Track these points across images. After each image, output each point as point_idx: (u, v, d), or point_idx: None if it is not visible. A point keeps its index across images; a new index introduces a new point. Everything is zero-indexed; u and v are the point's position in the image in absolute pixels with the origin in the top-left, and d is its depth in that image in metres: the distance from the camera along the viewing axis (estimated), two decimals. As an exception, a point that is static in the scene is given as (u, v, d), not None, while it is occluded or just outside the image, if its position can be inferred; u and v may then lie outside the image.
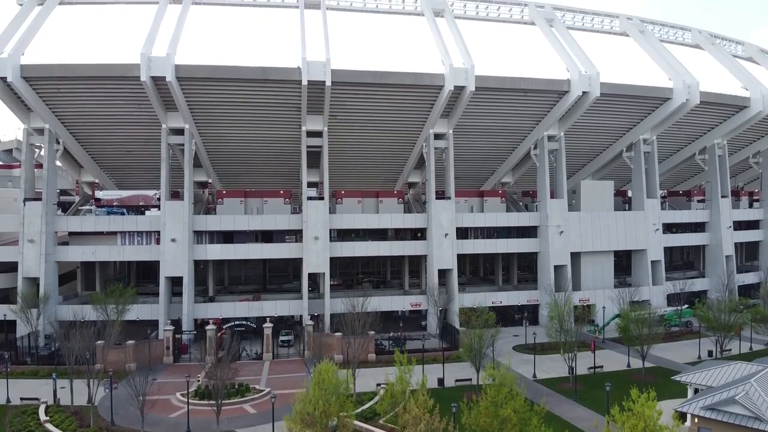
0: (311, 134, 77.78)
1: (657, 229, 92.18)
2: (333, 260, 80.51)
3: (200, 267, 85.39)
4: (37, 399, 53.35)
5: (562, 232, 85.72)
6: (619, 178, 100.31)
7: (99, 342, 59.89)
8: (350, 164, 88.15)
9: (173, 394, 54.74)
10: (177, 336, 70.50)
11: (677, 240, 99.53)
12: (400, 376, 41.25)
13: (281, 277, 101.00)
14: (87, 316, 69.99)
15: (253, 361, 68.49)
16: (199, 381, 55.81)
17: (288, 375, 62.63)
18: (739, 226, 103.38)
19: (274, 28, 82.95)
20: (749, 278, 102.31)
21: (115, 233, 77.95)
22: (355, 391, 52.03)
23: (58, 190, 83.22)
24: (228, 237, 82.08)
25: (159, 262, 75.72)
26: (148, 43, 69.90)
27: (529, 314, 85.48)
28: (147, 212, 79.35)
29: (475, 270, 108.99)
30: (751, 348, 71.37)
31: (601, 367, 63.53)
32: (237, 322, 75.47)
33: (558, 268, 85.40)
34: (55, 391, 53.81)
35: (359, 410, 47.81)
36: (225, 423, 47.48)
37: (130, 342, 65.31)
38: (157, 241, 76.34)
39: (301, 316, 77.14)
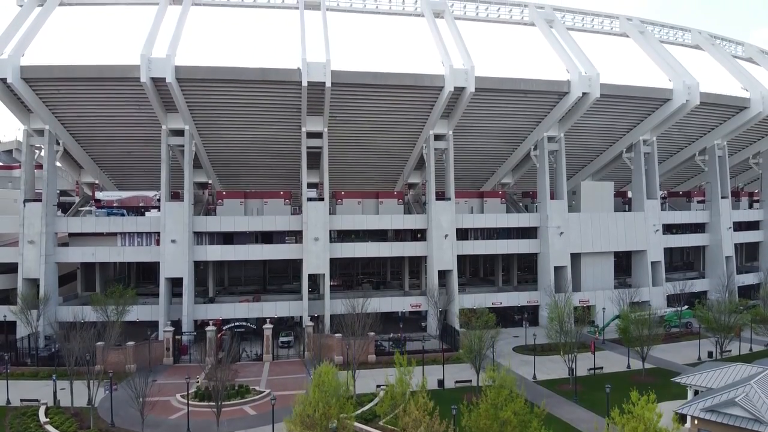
0: (311, 135, 77.79)
1: (657, 230, 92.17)
2: (333, 261, 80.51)
3: (200, 268, 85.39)
4: (37, 400, 53.37)
5: (562, 233, 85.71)
6: (619, 179, 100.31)
7: (99, 343, 59.93)
8: (350, 165, 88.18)
9: (173, 396, 54.75)
10: (177, 337, 70.50)
11: (677, 241, 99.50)
12: (400, 378, 41.27)
13: (281, 277, 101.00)
14: (87, 317, 69.96)
15: (253, 362, 68.50)
16: (198, 383, 55.78)
17: (288, 376, 62.61)
18: (739, 226, 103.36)
19: (274, 30, 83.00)
20: (749, 279, 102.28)
21: (115, 234, 77.95)
22: (355, 393, 52.01)
23: (58, 191, 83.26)
24: (228, 238, 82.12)
25: (159, 263, 75.73)
26: (148, 44, 69.92)
27: (529, 315, 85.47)
28: (147, 213, 79.33)
29: (475, 271, 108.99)
30: (751, 349, 71.35)
31: (601, 368, 63.53)
32: (237, 323, 75.51)
33: (558, 269, 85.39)
34: (55, 393, 53.79)
35: (359, 412, 47.76)
36: (225, 424, 47.50)
37: (130, 343, 65.30)
38: (157, 242, 76.35)
39: (301, 317, 77.13)
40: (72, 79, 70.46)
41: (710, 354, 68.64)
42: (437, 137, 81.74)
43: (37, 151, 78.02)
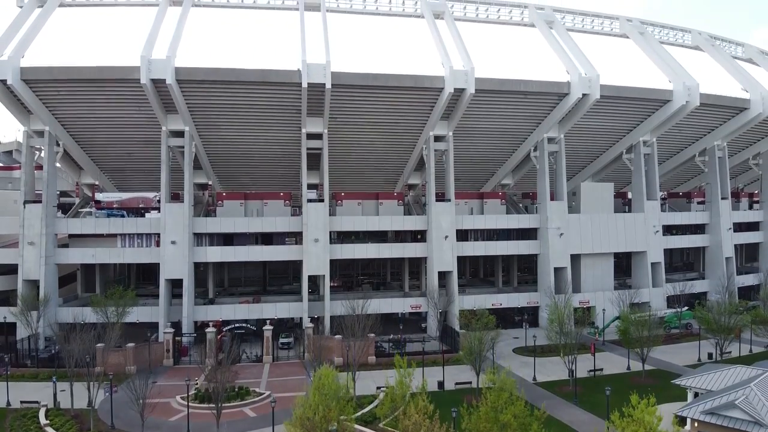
0: (311, 136, 77.79)
1: (657, 231, 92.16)
2: (333, 262, 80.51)
3: (200, 269, 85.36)
4: (37, 402, 53.33)
5: (562, 234, 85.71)
6: (619, 180, 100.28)
7: (99, 345, 59.97)
8: (350, 166, 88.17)
9: (173, 397, 54.78)
10: (177, 338, 70.47)
11: (677, 242, 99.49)
12: (400, 380, 41.28)
13: (281, 278, 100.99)
14: (87, 318, 69.96)
15: (253, 364, 68.51)
16: (197, 385, 55.71)
17: (288, 378, 62.58)
18: (739, 227, 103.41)
19: (274, 31, 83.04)
20: (749, 280, 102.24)
21: (115, 235, 77.88)
22: (355, 394, 52.01)
23: (58, 192, 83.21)
24: (228, 239, 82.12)
25: (159, 264, 75.73)
26: (148, 45, 69.92)
27: (529, 316, 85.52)
28: (147, 214, 79.38)
29: (475, 271, 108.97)
30: (750, 350, 71.34)
31: (601, 369, 63.50)
32: (237, 325, 75.51)
33: (558, 270, 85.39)
34: (55, 395, 53.80)
35: (359, 414, 47.71)
36: (225, 426, 47.50)
37: (130, 345, 65.28)
38: (157, 244, 76.34)
39: (301, 319, 77.12)
40: (72, 81, 70.45)
41: (710, 355, 68.65)
42: (437, 138, 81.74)
43: (37, 152, 78.02)
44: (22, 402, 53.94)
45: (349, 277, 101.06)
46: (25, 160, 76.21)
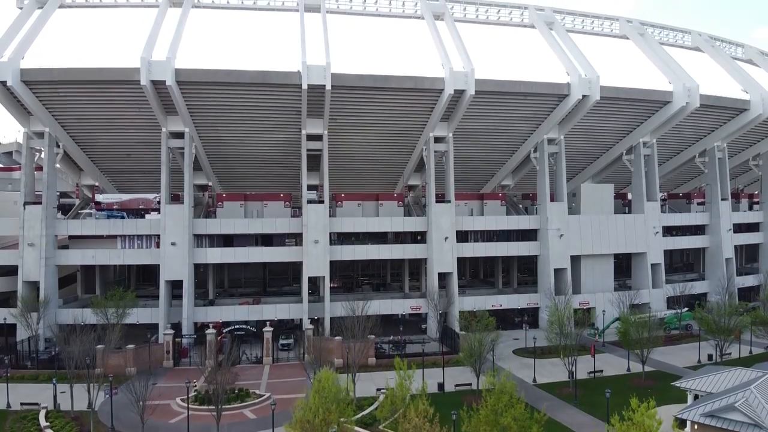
0: (311, 138, 77.80)
1: (657, 232, 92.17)
2: (333, 263, 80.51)
3: (200, 270, 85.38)
4: (37, 404, 53.32)
5: (562, 235, 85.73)
6: (618, 181, 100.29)
7: (99, 346, 59.91)
8: (350, 167, 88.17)
9: (173, 399, 54.75)
10: (177, 340, 70.49)
11: (677, 243, 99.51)
12: (400, 383, 41.29)
13: (281, 279, 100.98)
14: (87, 319, 69.81)
15: (253, 365, 68.51)
16: (196, 387, 55.63)
17: (288, 379, 62.62)
18: (739, 228, 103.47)
19: (274, 32, 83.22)
20: (749, 281, 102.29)
21: (115, 237, 77.87)
22: (355, 396, 52.02)
23: (58, 193, 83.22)
24: (228, 240, 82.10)
25: (159, 265, 75.73)
26: (148, 46, 69.95)
27: (529, 317, 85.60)
28: (147, 216, 79.34)
29: (475, 272, 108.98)
30: (750, 352, 71.34)
31: (601, 371, 63.51)
32: (237, 326, 75.50)
33: (558, 272, 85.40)
34: (55, 396, 53.81)
35: (359, 416, 47.77)
36: (225, 429, 47.49)
37: (130, 346, 65.30)
38: (157, 245, 76.34)
39: (301, 320, 77.13)
40: (72, 82, 70.47)
41: (710, 357, 68.66)
42: (437, 139, 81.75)
43: (37, 153, 78.04)
44: (22, 404, 53.91)
45: (349, 278, 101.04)
46: (25, 161, 76.20)
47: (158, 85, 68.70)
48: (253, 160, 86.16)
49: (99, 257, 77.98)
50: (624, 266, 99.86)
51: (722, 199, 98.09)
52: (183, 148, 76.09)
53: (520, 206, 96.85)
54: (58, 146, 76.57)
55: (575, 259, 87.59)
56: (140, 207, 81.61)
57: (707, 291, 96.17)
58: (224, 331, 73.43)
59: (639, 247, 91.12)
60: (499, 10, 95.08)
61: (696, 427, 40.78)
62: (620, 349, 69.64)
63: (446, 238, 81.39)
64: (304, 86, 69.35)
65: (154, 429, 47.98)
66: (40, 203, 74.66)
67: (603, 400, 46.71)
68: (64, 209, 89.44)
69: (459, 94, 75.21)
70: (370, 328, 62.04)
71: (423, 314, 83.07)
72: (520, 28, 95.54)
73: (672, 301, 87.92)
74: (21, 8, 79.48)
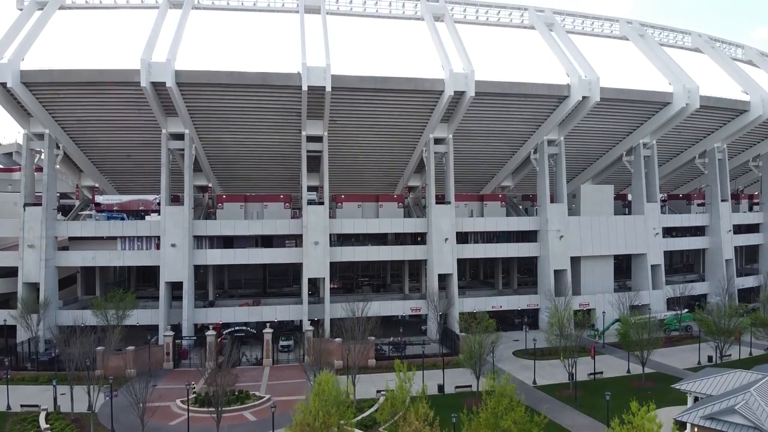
0: (311, 139, 77.81)
1: (657, 233, 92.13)
2: (333, 264, 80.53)
3: (200, 271, 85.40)
4: (37, 406, 53.32)
5: (562, 236, 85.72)
6: (618, 182, 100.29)
7: (99, 348, 59.96)
8: (350, 168, 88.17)
9: (173, 401, 54.76)
10: (177, 341, 70.50)
11: (677, 244, 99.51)
12: (400, 385, 41.28)
13: (281, 280, 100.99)
14: (87, 321, 69.79)
15: (253, 367, 68.50)
16: (194, 390, 55.54)
17: (288, 381, 62.67)
18: (739, 229, 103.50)
19: (274, 33, 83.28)
20: (749, 282, 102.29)
21: (115, 238, 77.90)
22: (355, 398, 52.02)
23: (58, 194, 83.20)
24: (228, 241, 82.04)
25: (159, 266, 75.73)
26: (148, 48, 69.95)
27: (529, 318, 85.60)
28: (147, 217, 79.34)
29: (475, 273, 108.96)
30: (750, 353, 71.34)
31: (601, 373, 63.54)
32: (237, 328, 75.52)
33: (558, 273, 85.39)
34: (55, 398, 53.82)
35: (359, 418, 47.79)
36: (225, 431, 47.49)
37: (130, 348, 65.31)
38: (157, 246, 76.31)
39: (301, 321, 77.12)
40: (72, 84, 70.46)
41: (710, 358, 68.67)
42: (437, 141, 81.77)
43: (37, 155, 78.05)
44: (22, 406, 53.91)
45: (349, 278, 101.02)
46: (25, 163, 76.22)
47: (158, 86, 68.69)
48: (253, 161, 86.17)
49: (99, 259, 78.00)
50: (624, 267, 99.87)
51: (722, 200, 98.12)
52: (183, 150, 76.11)
53: (520, 207, 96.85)
54: (58, 148, 76.58)
55: (575, 260, 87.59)
56: (140, 208, 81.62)
57: (707, 292, 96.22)
58: (224, 332, 73.47)
59: (639, 248, 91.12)
60: (499, 12, 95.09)
61: (696, 429, 40.79)
62: (620, 351, 69.62)
63: (446, 239, 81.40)
64: (304, 88, 69.35)
65: (154, 431, 47.97)
66: (40, 205, 74.67)
67: (603, 402, 46.73)
68: (64, 210, 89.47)
69: (459, 95, 75.20)
70: (370, 329, 62.08)
71: (423, 315, 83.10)
72: (520, 29, 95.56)
73: (672, 303, 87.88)
74: (21, 9, 79.53)
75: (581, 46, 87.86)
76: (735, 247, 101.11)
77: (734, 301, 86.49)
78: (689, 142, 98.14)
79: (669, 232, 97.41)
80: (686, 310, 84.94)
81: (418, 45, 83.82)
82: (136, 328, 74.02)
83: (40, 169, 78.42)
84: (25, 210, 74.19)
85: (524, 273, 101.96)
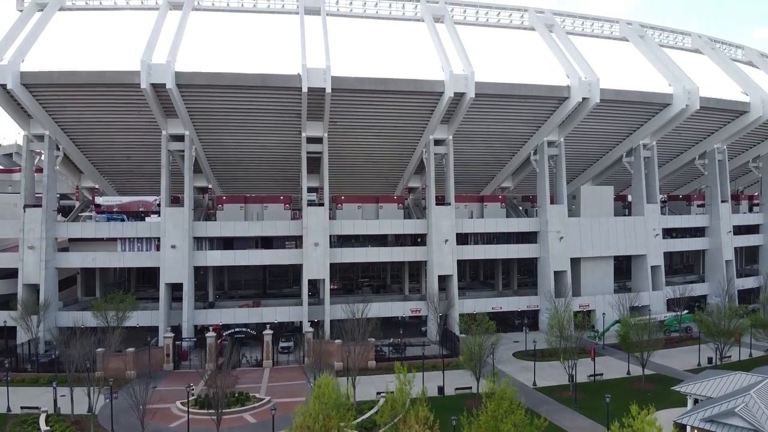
0: (311, 140, 77.82)
1: (657, 234, 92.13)
2: (333, 265, 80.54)
3: (200, 272, 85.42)
4: (37, 408, 53.25)
5: (562, 237, 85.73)
6: (618, 183, 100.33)
7: (99, 349, 60.00)
8: (350, 170, 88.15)
9: (173, 403, 54.72)
10: (177, 343, 70.51)
11: (677, 245, 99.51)
12: (400, 388, 41.28)
13: (281, 281, 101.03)
14: (87, 322, 70.01)
15: (253, 369, 68.47)
16: (193, 393, 55.46)
17: (288, 383, 62.65)
18: (739, 230, 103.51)
19: (274, 35, 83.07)
20: (749, 283, 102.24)
21: (115, 239, 77.93)
22: (355, 400, 52.03)
23: (58, 195, 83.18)
24: (228, 243, 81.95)
25: (159, 267, 75.75)
26: (148, 49, 69.93)
27: (529, 320, 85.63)
28: (147, 218, 79.37)
29: (475, 274, 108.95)
30: (750, 354, 71.36)
31: (601, 374, 63.55)
32: (237, 329, 75.53)
33: (558, 274, 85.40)
34: (55, 400, 53.77)
35: (359, 420, 47.78)
36: (225, 433, 47.52)
37: (130, 349, 65.33)
38: (157, 248, 76.30)
39: (301, 322, 77.14)
40: (72, 85, 70.45)
41: (710, 360, 68.67)
42: (437, 142, 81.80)
43: (37, 156, 78.06)
44: (22, 408, 53.85)
45: (349, 279, 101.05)
46: (25, 164, 76.21)
47: (158, 88, 68.67)
48: (253, 162, 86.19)
49: (99, 260, 78.05)
50: (624, 267, 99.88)
51: (722, 201, 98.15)
52: (183, 151, 76.11)
53: (520, 208, 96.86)
54: (58, 149, 76.56)
55: (575, 262, 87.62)
56: (140, 209, 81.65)
57: (707, 293, 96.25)
58: (224, 334, 73.50)
59: (639, 249, 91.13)
60: (499, 13, 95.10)
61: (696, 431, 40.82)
62: (620, 352, 69.62)
63: (446, 240, 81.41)
64: (305, 89, 69.34)
65: (154, 433, 48.01)
66: (40, 206, 74.64)
67: (603, 404, 46.70)
68: (64, 211, 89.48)
69: (459, 97, 75.20)
70: (370, 331, 62.11)
71: (423, 317, 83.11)
72: (520, 30, 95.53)
73: (672, 304, 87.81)
74: (21, 11, 79.56)
75: (581, 48, 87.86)
76: (735, 248, 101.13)
77: (734, 303, 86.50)
78: (689, 143, 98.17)
79: (669, 233, 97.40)
80: (686, 311, 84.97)
81: (418, 46, 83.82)
82: (136, 330, 73.96)
83: (40, 170, 78.46)
84: (25, 211, 74.18)
85: (524, 274, 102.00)
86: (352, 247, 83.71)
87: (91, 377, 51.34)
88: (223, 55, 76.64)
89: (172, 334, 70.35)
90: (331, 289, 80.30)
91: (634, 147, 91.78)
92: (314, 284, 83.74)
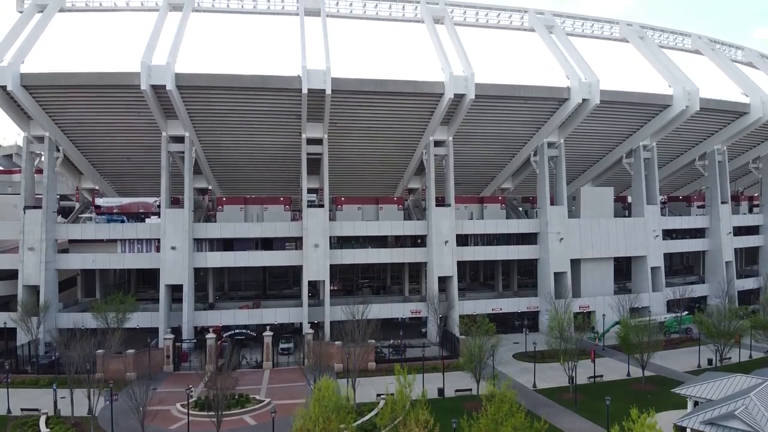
0: (311, 142, 77.85)
1: (657, 236, 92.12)
2: (333, 266, 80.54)
3: (200, 273, 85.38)
4: (37, 410, 53.24)
5: (562, 238, 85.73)
6: (618, 184, 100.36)
7: (99, 351, 60.01)
8: (350, 171, 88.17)
9: (173, 405, 54.68)
10: (177, 344, 70.48)
11: (677, 246, 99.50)
12: (400, 390, 41.29)
13: (281, 282, 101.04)
14: (87, 324, 70.03)
15: (253, 370, 68.38)
16: (192, 395, 55.41)
17: (288, 384, 62.60)
18: (739, 231, 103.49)
19: (274, 36, 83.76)
20: (749, 284, 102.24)
21: (115, 241, 77.93)
22: (355, 401, 52.04)
23: (58, 196, 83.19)
24: (228, 244, 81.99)
25: (159, 268, 75.74)
26: (148, 51, 69.90)
27: (529, 321, 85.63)
28: (147, 220, 79.41)
29: (475, 275, 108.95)
30: (750, 356, 71.35)
31: (601, 376, 63.53)
32: (237, 330, 75.52)
33: (558, 275, 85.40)
34: (55, 402, 53.70)
35: (359, 422, 47.74)
36: (225, 435, 47.50)
37: (130, 351, 65.30)
38: (157, 249, 76.30)
39: (301, 324, 77.14)
40: (72, 87, 70.45)
41: (710, 361, 68.61)
42: (437, 143, 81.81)
43: (37, 157, 78.02)
44: (22, 409, 53.84)
45: (349, 280, 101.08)
46: (25, 165, 76.18)
47: (158, 89, 68.67)
48: (254, 163, 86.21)
49: (99, 261, 78.06)
50: (624, 268, 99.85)
51: (722, 202, 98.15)
52: (183, 152, 76.10)
53: (520, 209, 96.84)
54: (58, 150, 76.52)
55: (575, 263, 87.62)
56: (140, 211, 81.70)
57: (707, 294, 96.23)
58: (224, 335, 73.47)
59: (639, 250, 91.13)
60: (498, 14, 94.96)
61: (696, 434, 40.78)
62: (620, 354, 69.58)
63: (446, 242, 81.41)
64: (305, 90, 69.35)
65: (154, 435, 47.99)
66: (40, 207, 74.62)
67: (603, 406, 46.68)
68: (64, 212, 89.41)
69: (459, 98, 75.19)
70: (370, 332, 62.10)
71: (423, 318, 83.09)
72: (519, 31, 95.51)
73: (672, 305, 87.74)
74: (21, 12, 79.52)
75: (581, 49, 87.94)
76: (735, 249, 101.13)
77: (734, 304, 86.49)
78: (689, 144, 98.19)
79: (669, 234, 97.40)
80: (686, 312, 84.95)
81: (418, 47, 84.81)
82: (136, 331, 73.95)
83: (40, 171, 78.39)
84: (25, 213, 74.16)
85: (524, 275, 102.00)
86: (352, 248, 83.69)
87: (91, 379, 51.35)
88: (223, 57, 77.11)
89: (172, 336, 70.34)
90: (331, 290, 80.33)
91: (634, 148, 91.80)
92: (314, 285, 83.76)
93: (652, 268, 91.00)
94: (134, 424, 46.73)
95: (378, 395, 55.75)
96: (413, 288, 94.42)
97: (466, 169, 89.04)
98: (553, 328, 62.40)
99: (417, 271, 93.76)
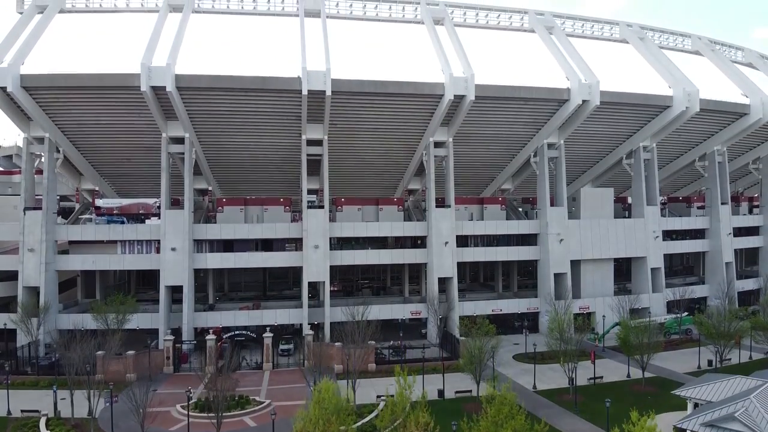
0: (311, 143, 77.86)
1: (657, 237, 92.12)
2: (333, 267, 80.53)
3: (200, 274, 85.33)
4: (37, 411, 53.21)
5: (562, 239, 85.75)
6: (618, 185, 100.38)
7: (99, 352, 60.00)
8: (350, 172, 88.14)
9: (173, 406, 54.68)
10: (177, 345, 70.46)
11: (677, 247, 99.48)
12: (400, 392, 41.31)
13: (281, 283, 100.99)
14: (87, 325, 70.01)
15: (253, 371, 68.36)
16: (192, 396, 55.35)
17: (288, 386, 62.59)
18: (739, 232, 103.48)
19: (275, 37, 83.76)
20: (749, 284, 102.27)
21: (115, 242, 77.90)
22: (355, 403, 52.04)
23: (58, 197, 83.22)
24: (228, 245, 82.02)
25: (159, 270, 75.73)
26: (148, 52, 69.90)
27: (529, 322, 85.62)
28: (147, 221, 79.33)
29: (475, 276, 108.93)
30: (750, 357, 71.37)
31: (601, 377, 63.52)
32: (237, 332, 75.50)
33: (558, 276, 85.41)
34: (55, 403, 53.71)
35: (359, 423, 47.77)
36: (225, 437, 47.49)
37: (131, 352, 65.26)
38: (157, 250, 76.30)
39: (301, 325, 77.15)
40: (72, 88, 70.45)
41: (710, 362, 68.59)
42: (437, 144, 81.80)
43: (37, 158, 78.02)
44: (22, 411, 53.83)
45: (349, 281, 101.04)
46: (25, 166, 76.16)
47: (158, 90, 68.67)
48: (254, 165, 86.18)
49: (99, 262, 78.03)
50: (624, 269, 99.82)
51: (722, 203, 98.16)
52: (183, 153, 76.09)
53: (520, 210, 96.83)
54: (58, 151, 76.49)
55: (575, 264, 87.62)
56: (140, 212, 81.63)
57: (707, 295, 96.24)
58: (224, 336, 73.45)
59: (639, 251, 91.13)
60: (499, 15, 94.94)
61: (696, 436, 40.79)
62: (620, 355, 69.59)
63: (446, 242, 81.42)
64: (304, 92, 69.35)
65: (154, 437, 47.99)
66: (40, 208, 74.57)
67: (603, 407, 46.68)
68: (64, 213, 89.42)
69: (459, 99, 75.19)
70: (370, 333, 62.12)
71: (423, 319, 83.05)
72: (520, 32, 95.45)
73: (672, 306, 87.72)
74: (21, 13, 79.55)
75: (581, 49, 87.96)
76: (735, 250, 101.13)
77: (734, 305, 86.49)
78: (689, 145, 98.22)
79: (669, 235, 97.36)
80: (686, 313, 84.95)
81: (418, 48, 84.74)
82: (136, 332, 73.92)
83: (40, 172, 78.34)
84: (25, 214, 74.12)
85: (524, 276, 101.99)
86: (352, 249, 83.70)
87: (91, 380, 51.37)
88: (223, 58, 77.02)
89: (172, 337, 70.32)
90: (331, 291, 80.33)
91: (634, 149, 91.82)
92: (314, 286, 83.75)
93: (652, 269, 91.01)
94: (134, 426, 46.75)
95: (378, 397, 55.77)
96: (413, 289, 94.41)
97: (466, 170, 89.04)
98: (553, 329, 62.42)
99: (417, 272, 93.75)
